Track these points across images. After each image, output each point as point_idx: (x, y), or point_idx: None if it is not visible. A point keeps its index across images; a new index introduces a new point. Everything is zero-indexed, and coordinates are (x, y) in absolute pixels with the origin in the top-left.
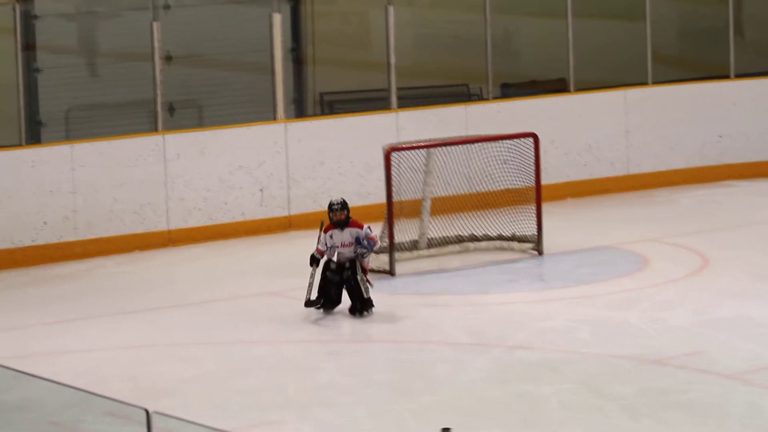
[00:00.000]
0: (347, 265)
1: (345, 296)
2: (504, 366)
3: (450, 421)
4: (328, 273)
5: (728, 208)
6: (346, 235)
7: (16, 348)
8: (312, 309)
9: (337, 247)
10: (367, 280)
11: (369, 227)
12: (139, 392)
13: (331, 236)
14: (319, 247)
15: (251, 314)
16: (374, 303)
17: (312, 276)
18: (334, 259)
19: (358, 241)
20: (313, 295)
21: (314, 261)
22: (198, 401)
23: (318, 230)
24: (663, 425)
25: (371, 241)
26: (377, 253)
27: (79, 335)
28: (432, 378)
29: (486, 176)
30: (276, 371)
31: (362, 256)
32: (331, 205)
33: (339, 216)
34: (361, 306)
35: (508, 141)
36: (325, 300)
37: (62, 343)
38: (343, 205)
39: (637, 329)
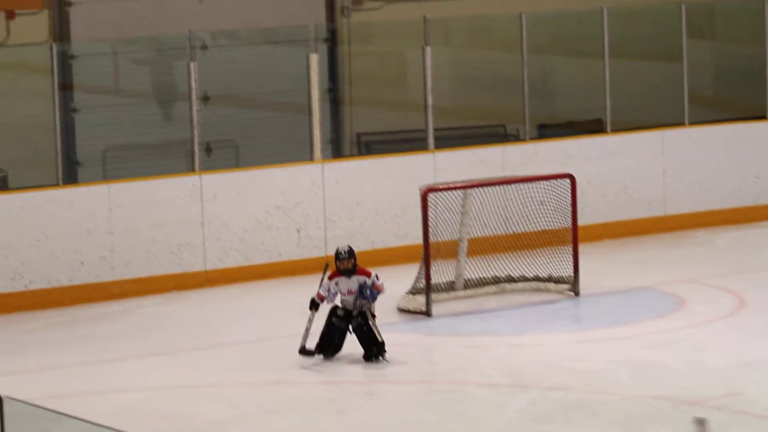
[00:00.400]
0: (356, 312)
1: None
2: (541, 407)
3: None
4: (334, 319)
5: (765, 249)
6: (353, 282)
7: (53, 388)
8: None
9: (344, 294)
10: (376, 325)
11: (376, 275)
12: None
13: (336, 283)
14: (321, 291)
15: (288, 354)
16: (386, 348)
17: (310, 321)
18: (339, 304)
19: (361, 289)
20: (310, 343)
21: (314, 306)
22: None
23: (321, 273)
24: None
25: (376, 290)
26: (413, 294)
27: (115, 375)
28: (468, 419)
29: (523, 217)
30: (312, 412)
31: (361, 307)
32: (338, 254)
33: (346, 265)
34: (378, 350)
35: (545, 182)
36: (328, 346)
37: (99, 384)
38: (350, 253)
39: (674, 370)
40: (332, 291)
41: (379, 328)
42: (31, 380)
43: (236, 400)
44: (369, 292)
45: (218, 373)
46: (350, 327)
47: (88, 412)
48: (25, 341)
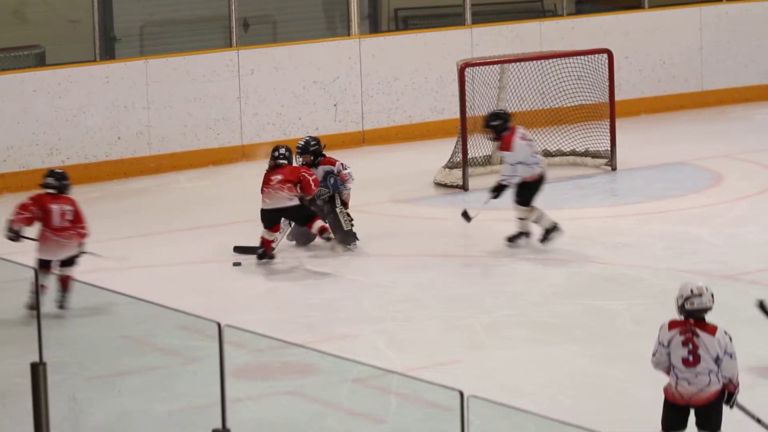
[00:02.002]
0: (320, 202)
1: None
2: (576, 281)
3: (522, 335)
4: (313, 207)
5: None
6: (320, 171)
7: (91, 262)
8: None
9: None
10: (347, 213)
11: (342, 164)
12: (211, 306)
13: None
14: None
15: None
16: (358, 236)
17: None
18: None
19: (326, 177)
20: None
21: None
22: (271, 315)
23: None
24: (736, 341)
25: (340, 179)
26: (450, 168)
27: (151, 250)
28: (504, 292)
29: (560, 92)
30: (350, 286)
31: (320, 195)
32: (299, 148)
33: (307, 159)
34: (342, 239)
35: (582, 57)
36: (301, 237)
37: (136, 258)
38: (304, 149)
39: (710, 245)
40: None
41: (351, 216)
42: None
43: (273, 274)
44: (332, 181)
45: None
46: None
47: (124, 286)
48: None
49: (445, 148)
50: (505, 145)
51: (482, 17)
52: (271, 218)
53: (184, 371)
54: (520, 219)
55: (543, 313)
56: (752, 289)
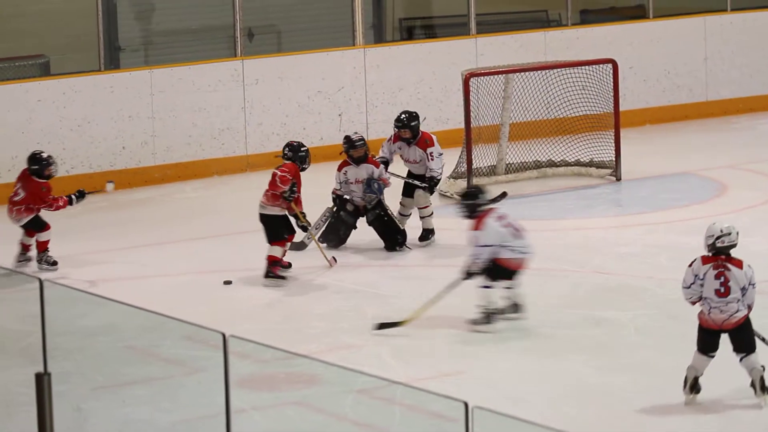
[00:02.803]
0: (370, 206)
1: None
2: (582, 291)
3: (527, 345)
4: (342, 213)
5: None
6: (362, 171)
7: (94, 273)
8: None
9: (351, 183)
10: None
11: (383, 168)
12: (216, 317)
13: (345, 173)
14: (335, 186)
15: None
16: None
17: (325, 216)
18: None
19: (369, 181)
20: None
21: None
22: (275, 325)
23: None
24: None
25: (383, 183)
26: (455, 178)
27: (156, 260)
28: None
29: (564, 102)
30: (353, 296)
31: (371, 201)
32: (351, 141)
33: (359, 152)
34: (402, 239)
35: (586, 67)
36: (334, 237)
37: (140, 268)
38: (364, 141)
39: None
40: (340, 180)
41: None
42: (72, 264)
43: (275, 284)
44: (376, 186)
45: (259, 257)
46: (367, 220)
47: (130, 297)
48: (66, 226)
49: (449, 158)
50: (430, 142)
51: (487, 27)
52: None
53: (189, 381)
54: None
55: (547, 323)
56: (759, 298)
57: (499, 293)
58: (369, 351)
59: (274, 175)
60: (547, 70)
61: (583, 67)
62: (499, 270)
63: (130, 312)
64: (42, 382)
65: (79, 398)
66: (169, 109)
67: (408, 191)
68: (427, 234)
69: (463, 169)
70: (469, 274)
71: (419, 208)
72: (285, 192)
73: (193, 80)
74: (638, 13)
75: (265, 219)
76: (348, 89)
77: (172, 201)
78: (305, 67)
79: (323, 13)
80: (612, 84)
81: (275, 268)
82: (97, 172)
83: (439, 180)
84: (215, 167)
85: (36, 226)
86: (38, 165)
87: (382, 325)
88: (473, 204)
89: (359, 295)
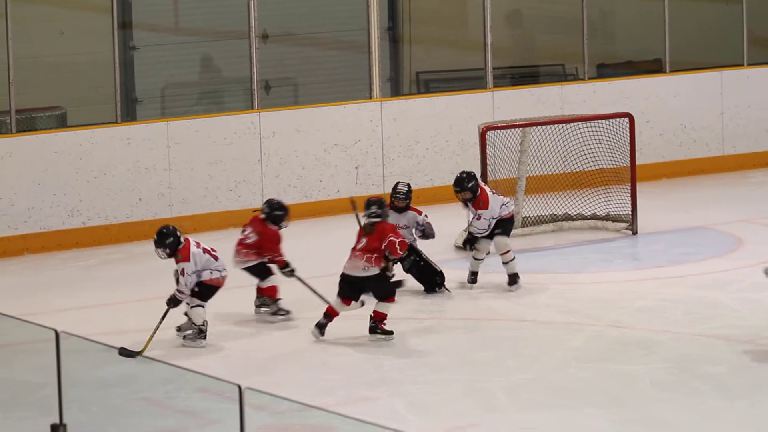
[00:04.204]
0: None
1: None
2: (597, 345)
3: (542, 399)
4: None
5: None
6: (403, 219)
7: (111, 324)
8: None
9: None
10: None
11: (425, 215)
12: (232, 368)
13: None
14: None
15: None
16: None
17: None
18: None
19: (418, 225)
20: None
21: None
22: (291, 378)
23: (354, 212)
24: (757, 406)
25: (430, 227)
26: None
27: (172, 312)
28: (525, 356)
29: (581, 156)
30: (370, 348)
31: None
32: (397, 191)
33: (402, 203)
34: (441, 279)
35: (603, 121)
36: (429, 282)
37: (156, 320)
38: (409, 192)
39: (730, 309)
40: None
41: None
42: (88, 316)
43: (293, 335)
44: (429, 230)
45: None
46: (404, 268)
47: (146, 349)
48: (82, 277)
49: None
50: (483, 204)
51: (504, 81)
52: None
53: None
54: (479, 259)
55: (563, 376)
56: None
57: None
58: (385, 403)
59: (393, 242)
60: (563, 124)
61: (599, 121)
62: (206, 289)
63: (145, 363)
64: None
65: None
66: (186, 161)
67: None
68: (514, 278)
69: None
70: (175, 302)
71: (501, 254)
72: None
73: (210, 132)
74: (655, 68)
75: (368, 280)
76: (364, 142)
77: None
78: (322, 120)
79: (340, 65)
80: (629, 138)
81: (381, 324)
82: (114, 223)
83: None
84: (232, 219)
85: (259, 273)
86: (282, 211)
87: (122, 352)
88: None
89: (375, 347)
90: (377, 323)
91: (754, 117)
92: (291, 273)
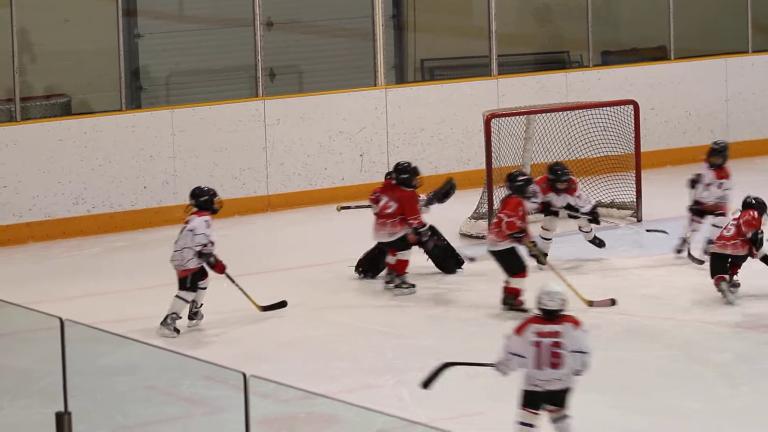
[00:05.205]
0: (425, 238)
1: None
2: (602, 332)
3: None
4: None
5: None
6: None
7: (116, 312)
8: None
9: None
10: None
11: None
12: (237, 356)
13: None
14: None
15: (350, 280)
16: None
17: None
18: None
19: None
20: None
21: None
22: (296, 366)
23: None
24: (762, 393)
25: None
26: (476, 219)
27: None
28: None
29: (585, 143)
30: (375, 336)
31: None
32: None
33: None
34: (459, 259)
35: (607, 108)
36: (370, 269)
37: (161, 308)
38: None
39: (736, 296)
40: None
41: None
42: (92, 304)
43: (298, 324)
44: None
45: (281, 297)
46: (426, 250)
47: (150, 336)
48: (87, 265)
49: (470, 199)
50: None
51: (508, 68)
52: None
53: (209, 421)
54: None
55: None
56: None
57: None
58: (389, 391)
59: (500, 219)
60: (568, 111)
61: (604, 108)
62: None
63: (150, 351)
64: (62, 421)
65: None
66: (191, 149)
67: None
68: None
69: (484, 210)
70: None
71: (584, 232)
72: (514, 233)
73: (215, 120)
74: (659, 55)
75: (498, 255)
76: (369, 129)
77: None
78: (327, 108)
79: (345, 53)
80: (633, 125)
81: (518, 301)
82: (118, 211)
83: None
84: (236, 207)
85: (400, 245)
86: (408, 173)
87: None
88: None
89: (380, 336)
90: (514, 300)
91: (758, 104)
92: (426, 234)
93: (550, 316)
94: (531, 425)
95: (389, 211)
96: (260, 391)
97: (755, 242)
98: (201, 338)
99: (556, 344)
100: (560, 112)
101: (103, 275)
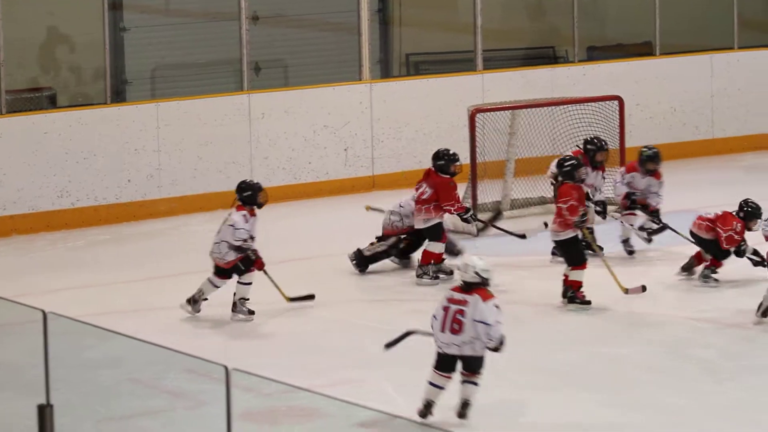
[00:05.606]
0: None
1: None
2: (586, 327)
3: (528, 381)
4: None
5: None
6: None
7: (98, 305)
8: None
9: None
10: None
11: None
12: (220, 350)
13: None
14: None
15: (334, 274)
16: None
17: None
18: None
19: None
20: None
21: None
22: (278, 359)
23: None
24: (745, 389)
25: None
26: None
27: (161, 293)
28: (511, 339)
29: (570, 138)
30: (357, 330)
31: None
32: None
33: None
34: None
35: (593, 103)
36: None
37: (145, 301)
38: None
39: (720, 292)
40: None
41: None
42: (76, 297)
43: (281, 318)
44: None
45: (264, 291)
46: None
47: (133, 329)
48: (71, 258)
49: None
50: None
51: (494, 63)
52: None
53: (192, 414)
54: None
55: (550, 359)
56: (760, 335)
57: None
58: (372, 385)
59: (560, 210)
60: (553, 107)
61: (589, 104)
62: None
63: (134, 345)
64: (44, 414)
65: (82, 431)
66: (175, 143)
67: None
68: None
69: (468, 204)
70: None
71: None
72: (576, 221)
73: (200, 114)
74: (645, 51)
75: (561, 245)
76: (354, 124)
77: (178, 234)
78: (312, 102)
79: (330, 47)
80: (618, 121)
81: (580, 293)
82: (103, 204)
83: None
84: (221, 201)
85: (434, 234)
86: (444, 160)
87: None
88: None
89: (363, 329)
90: (575, 292)
91: (743, 100)
92: (472, 218)
93: (466, 287)
94: (438, 386)
95: (425, 197)
96: (243, 384)
97: (738, 255)
98: (186, 331)
99: (460, 311)
100: (545, 108)
101: (87, 268)
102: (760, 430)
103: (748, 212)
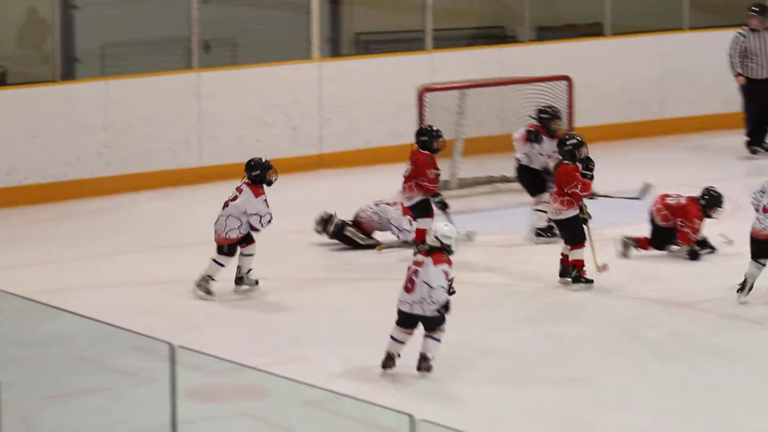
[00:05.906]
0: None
1: None
2: (533, 307)
3: (476, 360)
4: None
5: (762, 154)
6: None
7: (47, 282)
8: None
9: None
10: None
11: None
12: (167, 327)
13: None
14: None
15: (281, 252)
16: None
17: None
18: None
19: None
20: None
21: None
22: (226, 337)
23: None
24: (694, 369)
25: None
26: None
27: (109, 270)
28: (460, 318)
29: (519, 118)
30: (306, 308)
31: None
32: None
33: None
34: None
35: (542, 83)
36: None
37: (93, 278)
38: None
39: (668, 272)
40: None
41: None
42: (25, 274)
43: (229, 295)
44: None
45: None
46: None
47: (82, 307)
48: (19, 236)
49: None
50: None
51: (443, 42)
52: None
53: (138, 392)
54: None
55: (499, 338)
56: (707, 316)
57: None
58: (320, 364)
59: (576, 194)
60: (502, 86)
61: (538, 84)
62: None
63: (81, 322)
64: None
65: (28, 407)
66: (124, 121)
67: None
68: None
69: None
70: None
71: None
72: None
73: (149, 92)
74: (595, 31)
75: (561, 224)
76: (303, 103)
77: (126, 212)
78: (261, 80)
79: (280, 26)
80: (567, 101)
81: (584, 272)
82: (51, 182)
83: None
84: (170, 178)
85: (421, 211)
86: (426, 136)
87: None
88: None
89: (313, 308)
90: (579, 271)
91: (692, 81)
92: (441, 205)
93: (429, 250)
94: (398, 340)
95: (406, 174)
96: (190, 362)
97: (691, 256)
98: (133, 309)
99: (415, 272)
100: (494, 87)
101: (36, 246)
102: (711, 408)
103: (709, 200)
